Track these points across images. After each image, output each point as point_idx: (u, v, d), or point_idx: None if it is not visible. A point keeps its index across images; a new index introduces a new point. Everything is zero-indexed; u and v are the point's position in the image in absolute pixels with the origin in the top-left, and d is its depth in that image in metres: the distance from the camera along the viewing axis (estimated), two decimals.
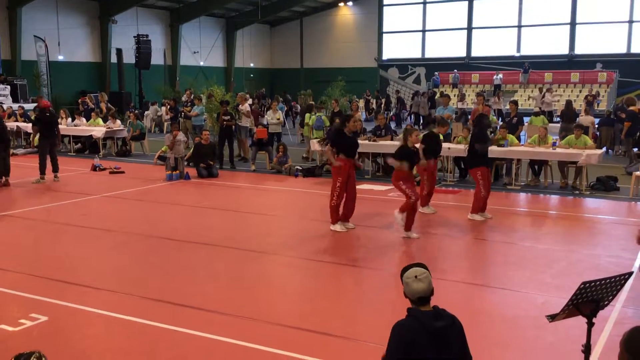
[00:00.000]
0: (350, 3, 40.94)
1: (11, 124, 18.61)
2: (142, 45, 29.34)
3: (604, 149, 16.14)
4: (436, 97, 26.55)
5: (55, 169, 13.27)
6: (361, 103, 29.52)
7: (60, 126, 18.39)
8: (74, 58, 30.06)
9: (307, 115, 17.04)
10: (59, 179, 13.23)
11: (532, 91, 33.12)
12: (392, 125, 23.96)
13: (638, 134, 16.28)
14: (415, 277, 3.27)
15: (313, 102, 20.26)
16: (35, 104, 19.02)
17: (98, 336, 5.34)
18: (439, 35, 38.98)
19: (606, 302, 3.57)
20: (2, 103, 14.11)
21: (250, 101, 18.78)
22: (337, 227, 8.96)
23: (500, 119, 20.92)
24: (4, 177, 12.60)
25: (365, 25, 40.79)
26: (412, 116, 27.53)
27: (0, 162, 12.53)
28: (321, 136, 15.39)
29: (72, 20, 29.76)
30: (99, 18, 31.02)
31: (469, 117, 16.49)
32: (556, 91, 29.86)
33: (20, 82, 24.92)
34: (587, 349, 3.63)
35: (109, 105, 21.03)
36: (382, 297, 6.47)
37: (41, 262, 7.49)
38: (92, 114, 18.85)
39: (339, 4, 40.99)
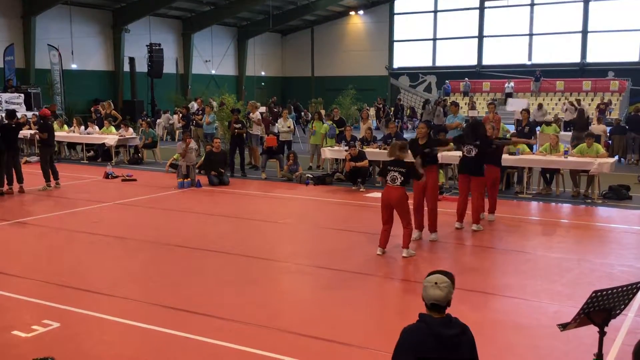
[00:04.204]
0: (361, 12, 41.08)
1: (25, 132, 18.77)
2: (155, 54, 29.58)
3: (616, 157, 16.05)
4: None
5: (56, 177, 13.42)
6: (372, 111, 29.51)
7: (73, 134, 18.75)
8: (87, 67, 30.36)
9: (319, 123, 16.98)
10: (60, 186, 13.40)
11: (559, 99, 32.91)
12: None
13: None
14: (435, 283, 3.24)
15: (324, 110, 20.30)
16: None
17: (110, 342, 5.36)
18: (450, 43, 39.00)
19: (618, 311, 3.56)
20: (16, 111, 14.28)
21: (263, 109, 18.81)
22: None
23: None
24: (19, 185, 12.73)
25: (376, 33, 40.88)
26: None
27: (4, 170, 12.64)
28: (333, 144, 15.44)
29: (86, 29, 30.08)
30: (112, 27, 31.35)
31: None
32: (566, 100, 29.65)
33: (34, 90, 25.17)
34: (599, 359, 3.61)
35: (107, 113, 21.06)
36: (392, 306, 6.46)
37: (53, 269, 7.54)
38: (105, 122, 19.01)
39: (350, 13, 41.14)
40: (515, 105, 22.28)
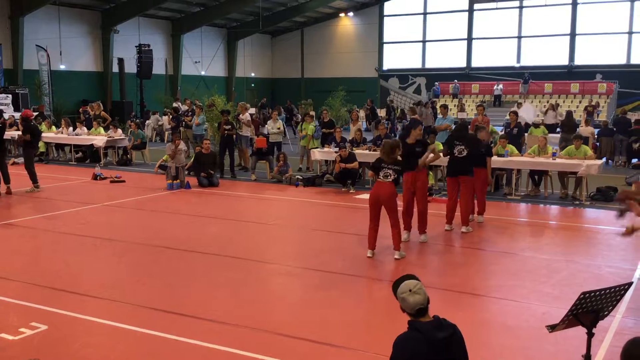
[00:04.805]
0: (350, 13, 41.11)
1: (12, 133, 18.65)
2: (144, 55, 29.44)
3: (604, 159, 16.17)
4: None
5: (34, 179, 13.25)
6: (362, 113, 29.46)
7: (61, 135, 18.62)
8: (76, 67, 30.15)
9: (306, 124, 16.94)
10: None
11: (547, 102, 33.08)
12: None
13: (637, 144, 16.34)
14: (410, 290, 3.23)
15: (314, 112, 20.26)
16: (36, 113, 19.08)
17: (98, 345, 5.33)
18: (440, 45, 39.11)
19: (606, 313, 3.58)
20: (3, 111, 14.19)
21: (252, 110, 18.75)
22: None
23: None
24: (6, 186, 12.62)
25: (365, 35, 40.93)
26: None
27: None
28: (318, 145, 15.45)
29: (74, 29, 29.88)
30: (101, 27, 31.14)
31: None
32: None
33: (22, 91, 24.96)
34: None
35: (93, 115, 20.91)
36: (381, 307, 6.46)
37: (41, 271, 7.49)
38: (94, 123, 18.90)
39: (340, 15, 41.16)
40: (526, 112, 22.39)
